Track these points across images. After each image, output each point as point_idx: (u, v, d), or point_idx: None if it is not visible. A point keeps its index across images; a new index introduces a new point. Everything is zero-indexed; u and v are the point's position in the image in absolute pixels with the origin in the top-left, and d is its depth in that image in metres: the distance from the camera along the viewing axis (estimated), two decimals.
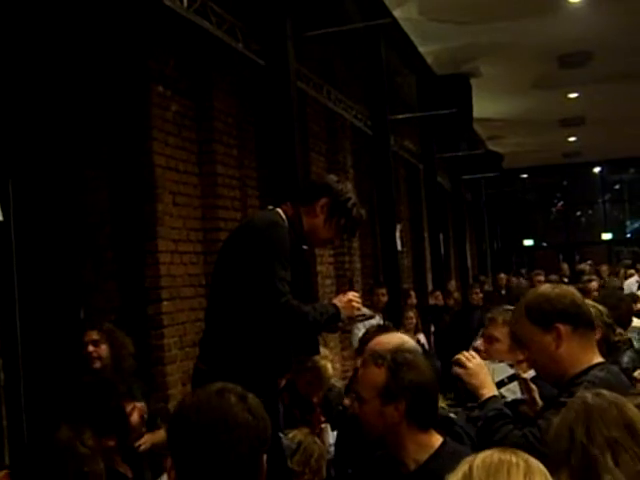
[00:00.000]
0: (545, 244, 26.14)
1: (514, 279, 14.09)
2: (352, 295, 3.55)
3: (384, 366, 2.57)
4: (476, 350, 3.69)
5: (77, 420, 2.85)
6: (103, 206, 5.58)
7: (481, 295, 11.52)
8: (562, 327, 2.61)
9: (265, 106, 6.86)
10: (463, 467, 1.57)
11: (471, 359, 2.85)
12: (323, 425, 4.76)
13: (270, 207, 3.67)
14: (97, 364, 4.36)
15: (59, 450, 2.18)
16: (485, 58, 11.38)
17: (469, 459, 1.59)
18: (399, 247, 10.77)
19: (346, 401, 4.64)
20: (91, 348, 4.38)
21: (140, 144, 5.57)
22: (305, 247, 3.80)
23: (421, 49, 10.94)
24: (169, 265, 5.62)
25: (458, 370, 2.85)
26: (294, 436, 3.98)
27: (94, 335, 4.43)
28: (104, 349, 4.41)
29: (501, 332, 3.66)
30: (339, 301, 3.50)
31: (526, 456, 1.59)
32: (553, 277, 11.82)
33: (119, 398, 3.03)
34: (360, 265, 10.57)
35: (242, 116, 6.94)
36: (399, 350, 2.71)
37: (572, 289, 2.84)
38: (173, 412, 1.79)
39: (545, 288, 2.82)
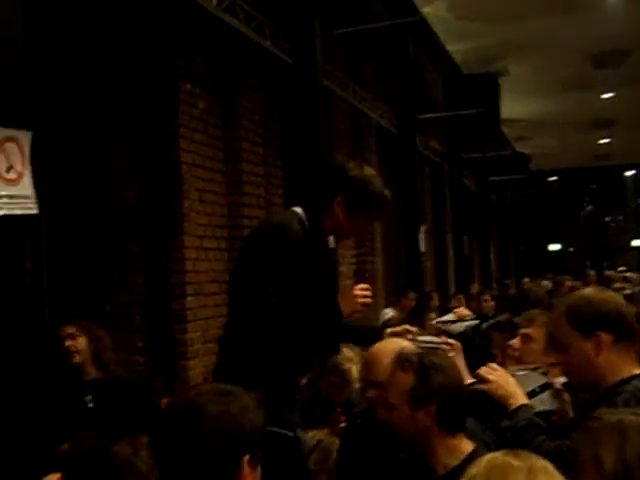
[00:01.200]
0: (572, 249, 25.86)
1: (530, 283, 13.66)
2: (359, 289, 3.36)
3: (411, 370, 2.53)
4: (511, 347, 3.68)
5: (112, 417, 2.89)
6: (130, 202, 5.62)
7: (492, 303, 10.98)
8: (603, 335, 2.49)
9: (291, 104, 6.88)
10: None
11: (492, 372, 2.77)
12: (343, 425, 4.74)
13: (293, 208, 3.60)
14: (77, 358, 4.27)
15: (117, 466, 2.18)
16: (515, 57, 11.28)
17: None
18: (422, 249, 10.73)
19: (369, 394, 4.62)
20: (68, 342, 4.27)
21: (167, 141, 5.60)
22: (332, 246, 3.75)
23: (449, 47, 10.90)
24: (194, 261, 5.65)
25: (481, 386, 2.76)
26: (313, 435, 3.95)
27: (69, 329, 4.32)
28: (82, 342, 4.30)
29: (538, 333, 3.61)
30: (341, 297, 3.35)
31: (532, 459, 1.58)
32: (578, 283, 11.51)
33: (155, 394, 3.03)
34: (382, 266, 10.54)
35: (268, 114, 6.96)
36: (426, 353, 2.67)
37: (618, 296, 2.70)
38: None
39: (589, 292, 2.69)
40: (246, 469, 1.74)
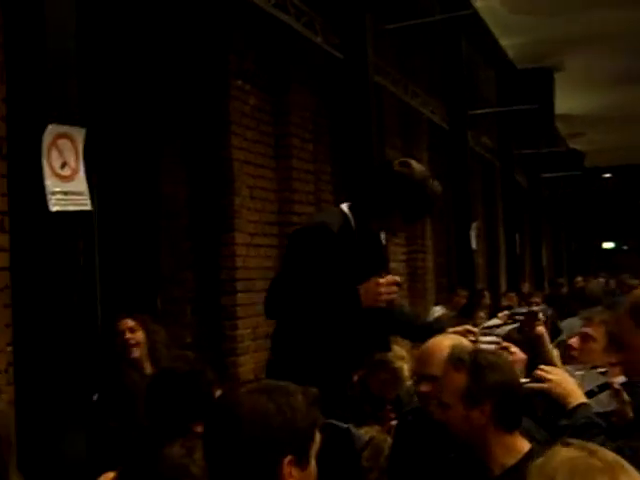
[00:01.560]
0: (626, 247, 25.40)
1: (584, 281, 13.41)
2: (385, 283, 3.20)
3: (464, 370, 2.49)
4: (570, 347, 3.62)
5: (166, 409, 2.91)
6: (182, 198, 5.66)
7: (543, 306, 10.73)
8: None
9: (341, 100, 6.85)
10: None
11: (550, 371, 2.72)
12: (394, 422, 4.71)
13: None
14: (136, 352, 4.18)
15: (170, 468, 2.19)
16: (570, 51, 11.05)
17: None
18: (474, 246, 10.64)
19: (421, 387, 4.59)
20: (128, 335, 4.18)
21: (219, 138, 5.62)
22: (384, 242, 3.73)
23: (502, 42, 10.75)
24: (245, 257, 5.66)
25: (539, 385, 2.70)
26: (365, 432, 3.94)
27: (129, 323, 4.24)
28: (140, 336, 4.22)
29: (598, 332, 3.54)
30: (364, 287, 3.21)
31: (608, 455, 1.54)
32: (636, 282, 11.22)
33: (209, 384, 3.04)
34: (433, 263, 10.46)
35: (318, 110, 6.94)
36: (479, 351, 2.63)
37: None
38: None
39: None
40: (287, 469, 1.70)
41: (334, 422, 3.15)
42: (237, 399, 1.75)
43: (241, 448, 1.68)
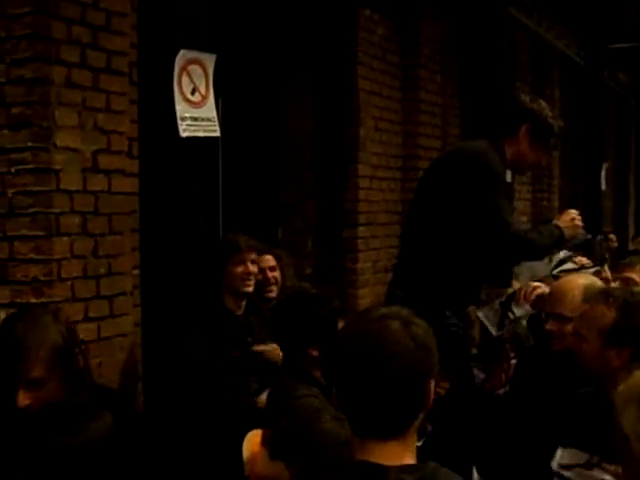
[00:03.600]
0: None
1: None
2: (574, 214, 3.50)
3: (614, 306, 2.39)
4: None
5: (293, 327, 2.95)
6: (306, 129, 5.63)
7: None
8: None
9: (472, 32, 6.63)
10: None
11: None
12: (513, 362, 4.65)
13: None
14: (273, 292, 4.06)
15: (324, 434, 2.18)
16: None
17: None
18: (603, 187, 10.29)
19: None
20: (269, 273, 4.06)
21: (345, 68, 5.53)
22: (509, 181, 3.72)
23: None
24: (367, 190, 5.61)
25: None
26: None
27: (271, 261, 4.11)
28: (278, 275, 4.11)
29: None
30: (562, 222, 3.46)
31: None
32: None
33: (334, 311, 3.06)
34: (558, 204, 10.15)
35: (447, 42, 6.72)
36: (633, 291, 2.53)
37: None
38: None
39: None
40: (430, 394, 1.63)
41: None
42: (365, 329, 1.64)
43: (382, 376, 1.57)
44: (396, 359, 1.56)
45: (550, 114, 3.56)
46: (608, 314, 2.38)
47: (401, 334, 1.58)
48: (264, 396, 3.34)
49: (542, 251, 3.50)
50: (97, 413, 1.98)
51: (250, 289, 3.73)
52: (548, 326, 2.95)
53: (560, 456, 2.42)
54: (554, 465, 2.43)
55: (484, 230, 3.27)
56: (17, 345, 2.35)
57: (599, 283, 2.99)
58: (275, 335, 3.27)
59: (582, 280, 2.93)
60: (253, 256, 3.77)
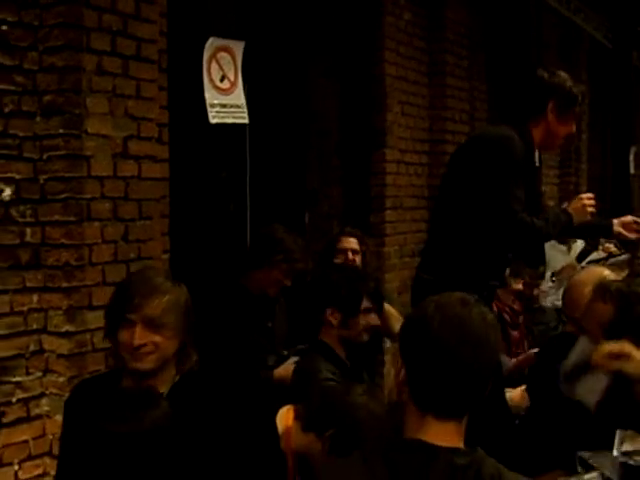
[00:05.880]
0: None
1: None
2: (586, 198, 3.49)
3: (611, 302, 2.41)
4: None
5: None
6: (332, 113, 5.64)
7: None
8: None
9: (498, 16, 6.58)
10: None
11: None
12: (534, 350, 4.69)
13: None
14: None
15: (355, 407, 2.27)
16: None
17: None
18: (632, 170, 10.21)
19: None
20: (351, 256, 4.12)
21: (372, 52, 5.53)
22: (537, 164, 3.70)
23: None
24: (395, 175, 5.62)
25: None
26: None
27: (354, 244, 4.17)
28: (358, 260, 4.16)
29: None
30: (572, 207, 3.46)
31: None
32: None
33: (366, 287, 3.16)
34: (586, 188, 10.07)
35: (473, 26, 6.68)
36: (632, 284, 2.54)
37: None
38: (409, 318, 1.75)
39: None
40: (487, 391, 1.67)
41: None
42: (452, 313, 1.65)
43: (463, 363, 1.61)
44: (480, 348, 1.61)
45: (571, 83, 3.50)
46: (606, 309, 2.40)
47: (483, 324, 1.64)
48: (280, 369, 3.52)
49: (548, 238, 3.52)
50: (155, 402, 2.01)
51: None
52: (568, 328, 3.04)
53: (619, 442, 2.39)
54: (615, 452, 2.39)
55: (493, 216, 3.27)
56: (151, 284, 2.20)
57: (612, 277, 2.97)
58: (296, 304, 3.38)
59: (591, 281, 2.88)
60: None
